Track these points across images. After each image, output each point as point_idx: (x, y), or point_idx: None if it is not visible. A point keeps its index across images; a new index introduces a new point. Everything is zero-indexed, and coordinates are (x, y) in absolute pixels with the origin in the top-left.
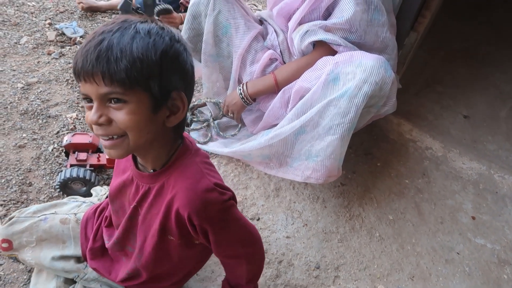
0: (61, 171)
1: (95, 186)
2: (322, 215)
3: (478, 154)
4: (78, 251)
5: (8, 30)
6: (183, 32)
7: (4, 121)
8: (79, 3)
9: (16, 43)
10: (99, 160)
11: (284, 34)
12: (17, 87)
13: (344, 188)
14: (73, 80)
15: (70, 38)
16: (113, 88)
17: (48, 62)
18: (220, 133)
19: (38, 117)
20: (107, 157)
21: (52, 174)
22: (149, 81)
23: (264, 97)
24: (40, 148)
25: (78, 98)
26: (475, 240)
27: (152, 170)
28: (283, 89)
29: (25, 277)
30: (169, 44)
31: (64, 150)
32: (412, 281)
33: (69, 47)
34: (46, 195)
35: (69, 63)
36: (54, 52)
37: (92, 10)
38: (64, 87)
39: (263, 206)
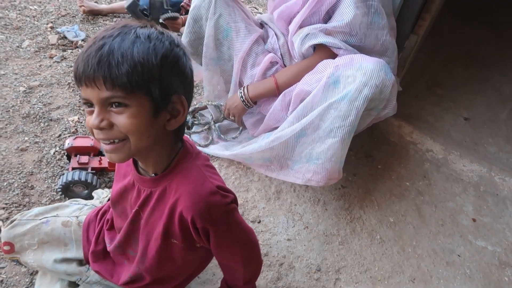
0: (63, 174)
1: (97, 189)
2: (323, 217)
3: (478, 156)
4: (80, 254)
5: (10, 34)
6: (184, 35)
7: (6, 125)
8: (80, 6)
9: (18, 46)
10: (100, 163)
11: (285, 37)
12: (19, 91)
13: (344, 190)
14: (75, 83)
15: (72, 42)
16: (114, 92)
17: (50, 66)
18: (221, 136)
19: (40, 121)
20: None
21: (54, 177)
22: (149, 85)
23: (265, 100)
24: (42, 151)
25: (79, 102)
26: (476, 242)
27: (153, 174)
28: (283, 92)
29: (27, 280)
30: (169, 49)
31: (66, 153)
32: (413, 283)
33: (70, 50)
34: (48, 198)
35: (71, 67)
36: (56, 55)
37: (94, 14)
38: (66, 90)
39: (264, 209)
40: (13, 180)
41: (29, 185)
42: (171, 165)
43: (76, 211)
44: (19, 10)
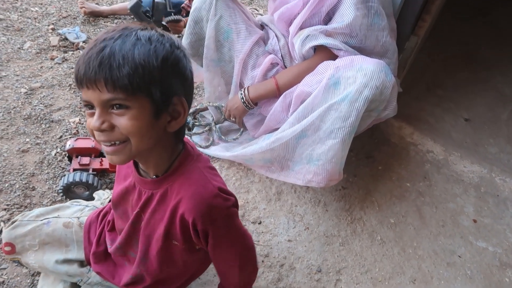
0: (64, 175)
1: (98, 190)
2: (323, 218)
3: (479, 157)
4: (81, 255)
5: (11, 36)
6: (185, 37)
7: (8, 126)
8: (81, 7)
9: (19, 48)
10: (101, 165)
11: (285, 38)
12: (21, 92)
13: (345, 191)
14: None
15: (73, 43)
16: (115, 94)
17: (51, 67)
18: (222, 137)
19: (41, 122)
20: None
21: (55, 179)
22: (150, 86)
23: (266, 101)
24: (43, 153)
25: (80, 103)
26: (477, 243)
27: (154, 176)
28: (284, 93)
29: (28, 281)
30: (170, 51)
31: (67, 155)
32: (414, 284)
33: (72, 52)
34: (49, 199)
35: (72, 68)
36: (57, 57)
37: (95, 15)
38: (67, 91)
39: (264, 210)
40: (14, 181)
41: (31, 186)
42: (172, 167)
43: (77, 212)
44: (20, 11)
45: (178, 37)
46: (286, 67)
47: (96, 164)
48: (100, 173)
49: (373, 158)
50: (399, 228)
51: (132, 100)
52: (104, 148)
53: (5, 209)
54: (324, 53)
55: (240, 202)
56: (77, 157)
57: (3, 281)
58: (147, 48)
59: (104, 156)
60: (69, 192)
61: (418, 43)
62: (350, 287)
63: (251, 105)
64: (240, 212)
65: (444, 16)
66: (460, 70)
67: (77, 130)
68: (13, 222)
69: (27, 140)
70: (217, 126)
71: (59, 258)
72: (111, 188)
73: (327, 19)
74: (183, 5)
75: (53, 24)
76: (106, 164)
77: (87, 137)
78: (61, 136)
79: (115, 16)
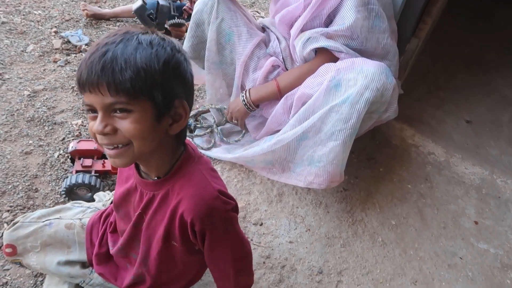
0: (67, 177)
1: (100, 191)
2: (324, 220)
3: (480, 159)
4: (83, 256)
5: (14, 39)
6: (187, 40)
7: (11, 128)
8: (83, 10)
9: (22, 51)
10: (104, 166)
11: (286, 41)
12: (24, 95)
13: (346, 193)
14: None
15: (76, 46)
16: (118, 98)
17: (54, 70)
18: (224, 139)
19: (44, 124)
20: None
21: (58, 180)
22: (152, 90)
23: (267, 103)
24: (46, 155)
25: (83, 106)
26: (478, 245)
27: (155, 178)
28: (285, 95)
29: (31, 282)
30: (171, 54)
31: (69, 157)
32: (415, 285)
33: (74, 54)
34: (52, 201)
35: (75, 71)
36: (60, 60)
37: (97, 18)
38: (70, 94)
39: (266, 211)
40: (17, 183)
41: (34, 188)
42: (174, 168)
43: (79, 213)
44: (23, 15)
45: (179, 40)
46: (287, 70)
47: (98, 166)
48: (103, 174)
49: (374, 160)
50: (400, 229)
51: (134, 104)
52: (107, 151)
53: (8, 211)
54: (325, 55)
55: (241, 204)
56: (79, 159)
57: (6, 282)
58: (149, 52)
59: (107, 158)
60: (71, 193)
61: (419, 45)
62: None
63: (252, 107)
64: (241, 214)
65: (445, 18)
66: (461, 72)
67: (79, 132)
68: (14, 224)
69: (30, 142)
70: (219, 128)
71: (61, 259)
72: (113, 190)
73: (328, 21)
74: (184, 7)
75: (55, 27)
76: (108, 166)
77: (90, 139)
78: (63, 138)
79: (117, 18)
